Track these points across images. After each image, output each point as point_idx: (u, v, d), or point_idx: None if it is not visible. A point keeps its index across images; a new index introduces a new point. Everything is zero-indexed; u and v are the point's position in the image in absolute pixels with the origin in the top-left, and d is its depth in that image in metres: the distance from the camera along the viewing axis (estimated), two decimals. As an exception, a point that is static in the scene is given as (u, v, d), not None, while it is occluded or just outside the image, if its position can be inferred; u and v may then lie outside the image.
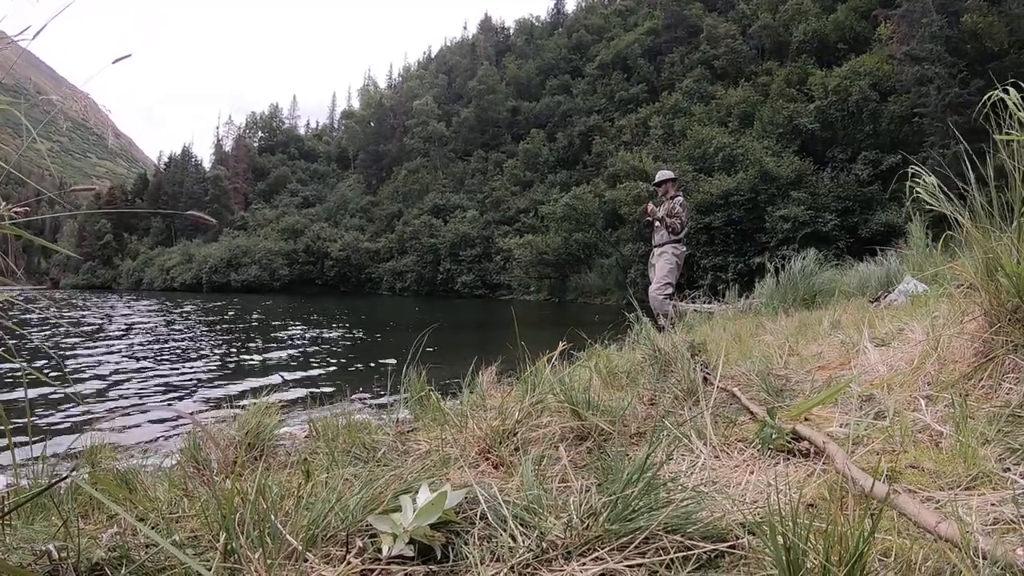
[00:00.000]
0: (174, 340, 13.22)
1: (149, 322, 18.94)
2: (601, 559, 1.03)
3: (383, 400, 2.80)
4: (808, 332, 3.91)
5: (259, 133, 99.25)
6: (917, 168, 2.13)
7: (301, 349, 11.49)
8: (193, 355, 10.49)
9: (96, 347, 11.23)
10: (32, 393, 6.04)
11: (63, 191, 1.37)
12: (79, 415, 5.20)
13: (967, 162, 1.93)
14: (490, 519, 1.16)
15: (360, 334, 14.95)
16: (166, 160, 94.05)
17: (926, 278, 4.98)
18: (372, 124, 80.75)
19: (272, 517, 1.07)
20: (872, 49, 36.40)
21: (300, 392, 6.32)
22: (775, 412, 1.72)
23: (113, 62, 1.24)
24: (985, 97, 1.88)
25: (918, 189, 2.08)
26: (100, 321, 18.41)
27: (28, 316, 13.89)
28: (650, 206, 7.42)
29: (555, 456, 1.62)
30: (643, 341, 2.89)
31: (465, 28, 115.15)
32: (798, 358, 3.07)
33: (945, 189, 2.02)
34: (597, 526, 1.08)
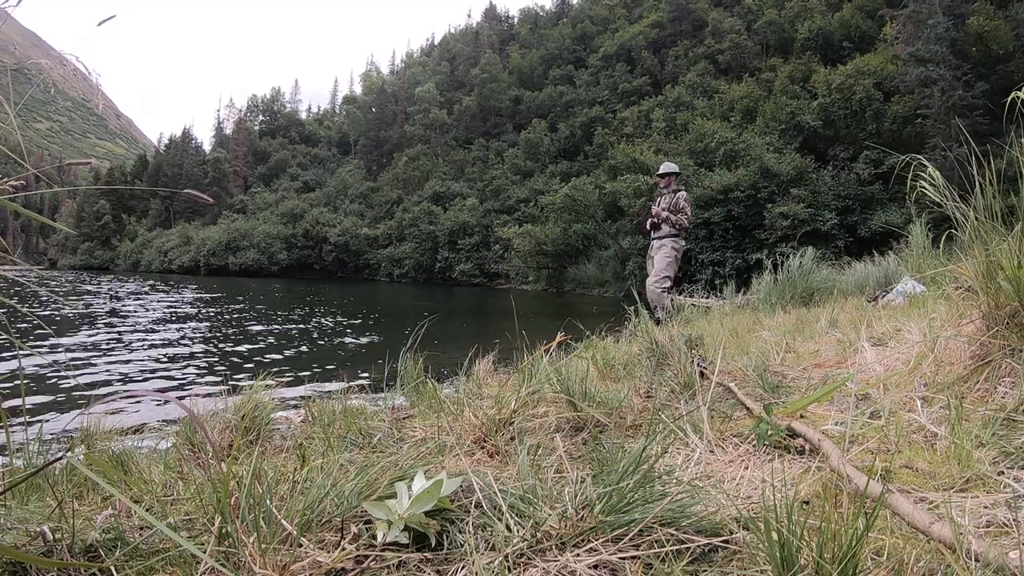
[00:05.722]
0: (174, 322, 13.21)
1: (154, 304, 18.91)
2: (595, 550, 1.03)
3: (380, 386, 2.80)
4: (805, 330, 3.92)
5: (260, 116, 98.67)
6: (924, 163, 2.12)
7: (297, 334, 11.49)
8: (190, 338, 10.48)
9: (93, 328, 11.21)
10: (27, 371, 6.04)
11: (59, 167, 1.35)
12: (75, 395, 5.20)
13: (972, 162, 1.92)
14: (485, 508, 1.17)
15: (357, 320, 14.94)
16: (166, 142, 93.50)
17: (924, 279, 4.99)
18: (373, 110, 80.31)
19: (267, 501, 1.06)
20: (877, 48, 36.19)
21: (298, 378, 6.33)
22: (771, 408, 1.73)
23: (98, 24, 1.21)
24: (1008, 97, 1.87)
25: (922, 184, 2.08)
26: (101, 303, 18.38)
27: (32, 298, 13.87)
28: (653, 208, 7.42)
29: (551, 446, 1.63)
30: (641, 333, 2.89)
31: (469, 16, 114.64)
32: (795, 355, 3.08)
33: (950, 188, 2.02)
34: (592, 517, 1.08)
